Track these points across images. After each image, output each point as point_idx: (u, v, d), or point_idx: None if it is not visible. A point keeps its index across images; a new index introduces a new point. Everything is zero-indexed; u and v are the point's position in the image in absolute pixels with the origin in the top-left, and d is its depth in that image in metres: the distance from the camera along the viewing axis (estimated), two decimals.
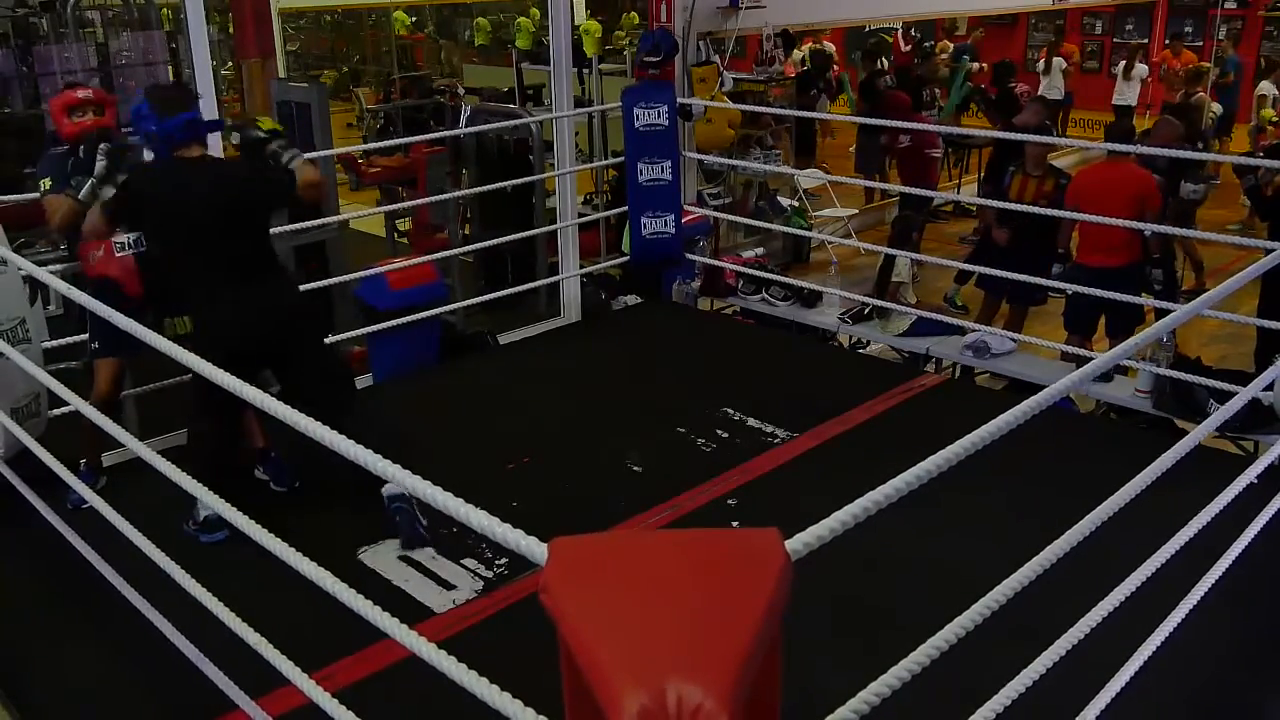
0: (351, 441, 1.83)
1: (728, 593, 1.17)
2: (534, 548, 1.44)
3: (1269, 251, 3.66)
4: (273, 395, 2.17)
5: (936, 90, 10.74)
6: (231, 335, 3.57)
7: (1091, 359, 5.02)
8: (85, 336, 4.34)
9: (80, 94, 3.99)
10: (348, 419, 3.45)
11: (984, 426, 1.83)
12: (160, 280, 3.93)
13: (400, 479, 1.71)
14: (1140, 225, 5.11)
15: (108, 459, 4.19)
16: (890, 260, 6.64)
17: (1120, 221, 4.97)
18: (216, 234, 3.57)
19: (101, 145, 3.65)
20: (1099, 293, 4.96)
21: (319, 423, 3.12)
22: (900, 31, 14.06)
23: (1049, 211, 5.73)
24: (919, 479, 1.69)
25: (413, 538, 3.67)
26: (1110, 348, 5.70)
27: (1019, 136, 6.10)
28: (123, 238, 3.89)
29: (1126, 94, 12.97)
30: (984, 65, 11.98)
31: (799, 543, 1.45)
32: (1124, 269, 5.49)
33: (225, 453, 3.76)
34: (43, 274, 3.23)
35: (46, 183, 3.81)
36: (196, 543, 3.59)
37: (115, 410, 4.05)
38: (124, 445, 3.07)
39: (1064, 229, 5.90)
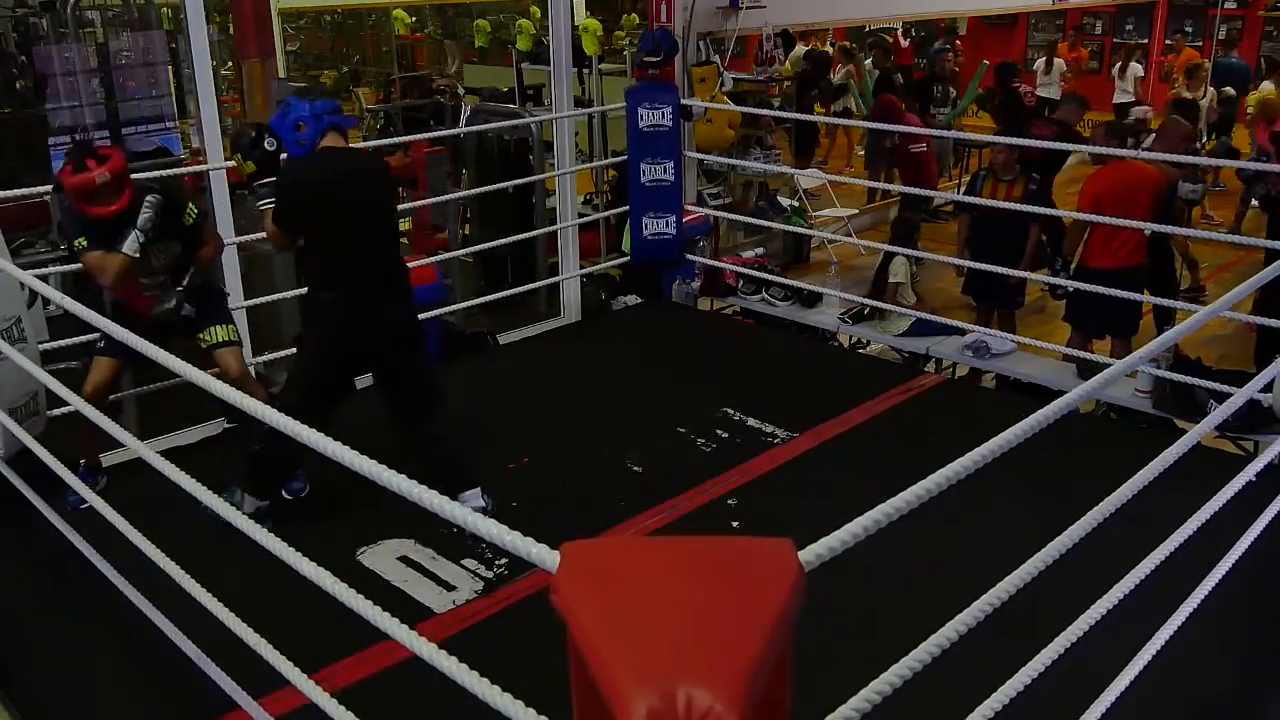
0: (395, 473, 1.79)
1: (740, 600, 1.16)
2: (544, 554, 1.43)
3: (1269, 251, 3.67)
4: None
5: (953, 89, 10.71)
6: (354, 338, 3.71)
7: (1090, 359, 5.10)
8: (84, 337, 4.37)
9: (98, 178, 3.58)
10: (440, 410, 3.85)
11: (999, 436, 1.83)
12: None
13: (405, 488, 1.71)
14: (1162, 227, 5.12)
15: (108, 459, 4.19)
16: (887, 261, 6.65)
17: (1141, 224, 4.98)
18: (367, 223, 3.70)
19: (149, 197, 3.69)
20: (1110, 292, 4.95)
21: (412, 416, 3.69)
22: (900, 31, 14.05)
23: (1064, 213, 5.72)
24: (929, 491, 1.68)
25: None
26: (1112, 347, 5.77)
27: (1017, 140, 6.11)
28: (149, 279, 3.88)
29: (1124, 94, 12.99)
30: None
31: (812, 554, 1.45)
32: (1132, 269, 5.50)
33: (284, 462, 3.82)
34: (35, 282, 3.20)
35: (83, 241, 3.74)
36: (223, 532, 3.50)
37: (107, 410, 4.05)
38: (124, 445, 3.07)
39: (1072, 234, 5.84)
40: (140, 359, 3.68)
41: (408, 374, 3.80)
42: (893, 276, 6.57)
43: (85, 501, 3.69)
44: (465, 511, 1.62)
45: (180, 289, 3.89)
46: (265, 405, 2.10)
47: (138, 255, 3.69)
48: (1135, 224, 5.00)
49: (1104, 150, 5.74)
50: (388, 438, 3.60)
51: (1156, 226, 5.15)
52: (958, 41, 13.73)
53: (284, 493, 4.07)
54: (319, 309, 3.78)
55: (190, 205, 3.99)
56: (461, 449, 3.93)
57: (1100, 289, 5.01)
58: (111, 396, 4.13)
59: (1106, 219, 5.14)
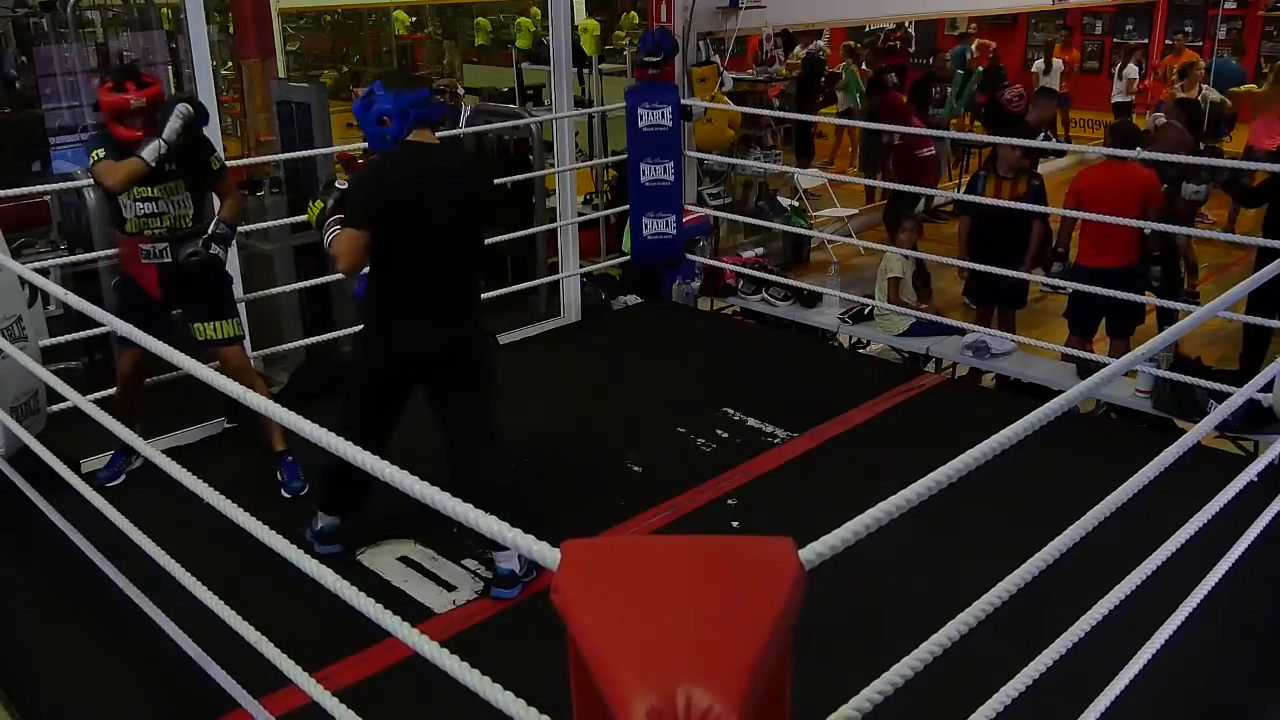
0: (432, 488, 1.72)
1: (740, 599, 1.17)
2: (545, 552, 1.43)
3: (1268, 250, 3.66)
4: None
5: (949, 88, 10.74)
6: (398, 361, 3.41)
7: (1090, 359, 5.10)
8: (84, 335, 4.39)
9: (133, 102, 3.70)
10: (485, 451, 3.48)
11: (999, 435, 1.83)
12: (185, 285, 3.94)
13: (406, 484, 1.71)
14: (1147, 224, 5.12)
15: (108, 459, 4.19)
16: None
17: (1127, 221, 4.98)
18: (446, 235, 3.32)
19: (179, 107, 3.68)
20: (1106, 292, 4.95)
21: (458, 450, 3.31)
22: (884, 33, 14.03)
23: (1065, 212, 5.72)
24: (929, 489, 1.68)
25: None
26: (1111, 346, 5.78)
27: (1013, 140, 6.11)
28: (148, 245, 3.85)
29: (1121, 94, 13.00)
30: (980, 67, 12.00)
31: (812, 552, 1.44)
32: (1127, 269, 5.50)
33: (351, 480, 3.41)
34: (37, 278, 3.22)
35: (100, 153, 3.74)
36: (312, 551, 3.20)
37: (138, 395, 4.12)
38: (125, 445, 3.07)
39: (1064, 229, 5.89)
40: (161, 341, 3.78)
41: (449, 405, 3.49)
42: (891, 273, 6.56)
43: (117, 478, 4.08)
44: (466, 508, 1.62)
45: (206, 235, 3.85)
46: (316, 425, 1.98)
47: (153, 164, 3.67)
48: (1120, 220, 4.99)
49: (1109, 151, 5.74)
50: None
51: (1152, 225, 5.14)
52: (987, 43, 13.74)
53: (284, 491, 4.07)
54: (369, 323, 3.51)
55: (216, 153, 4.00)
56: (506, 506, 3.47)
57: (1091, 289, 5.01)
58: (103, 394, 4.16)
59: (1096, 217, 5.14)
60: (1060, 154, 9.56)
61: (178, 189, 3.86)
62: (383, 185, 3.30)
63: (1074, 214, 5.55)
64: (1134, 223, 5.03)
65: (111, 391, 4.15)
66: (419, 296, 3.36)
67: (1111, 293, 4.94)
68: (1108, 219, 5.03)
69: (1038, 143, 6.29)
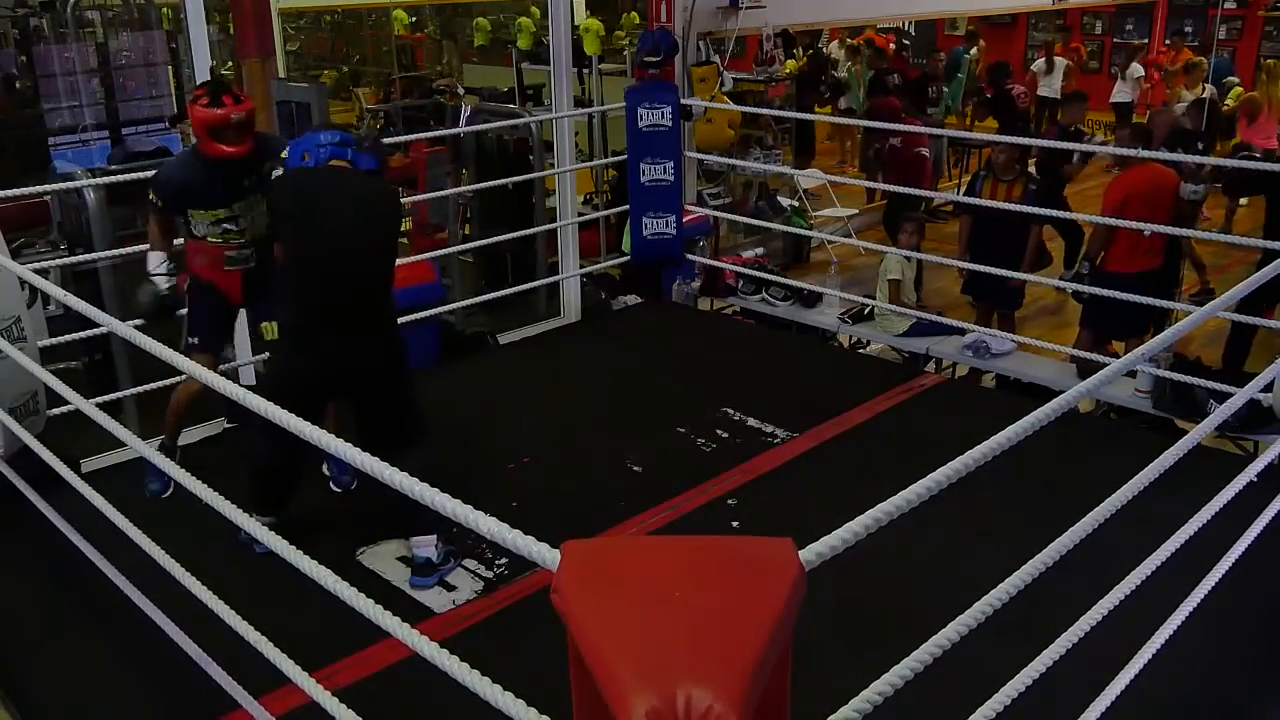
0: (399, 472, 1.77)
1: (740, 600, 1.17)
2: (545, 553, 1.42)
3: (1269, 250, 3.66)
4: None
5: (945, 88, 10.78)
6: (311, 379, 3.41)
7: (1090, 359, 5.09)
8: (84, 335, 4.38)
9: (233, 116, 3.57)
10: (412, 452, 3.38)
11: (999, 436, 1.83)
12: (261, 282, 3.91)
13: (406, 485, 1.71)
14: (1154, 228, 5.10)
15: (108, 460, 4.19)
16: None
17: (1123, 223, 4.97)
18: (346, 249, 3.36)
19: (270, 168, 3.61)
20: (1126, 298, 4.87)
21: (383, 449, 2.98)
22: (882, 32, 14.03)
23: (1062, 214, 5.71)
24: (929, 490, 1.68)
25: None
26: (1126, 347, 5.76)
27: (1016, 139, 6.11)
28: (234, 252, 3.81)
29: (1123, 93, 12.99)
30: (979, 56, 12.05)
31: (812, 553, 1.44)
32: (1156, 271, 5.46)
33: (281, 480, 3.59)
34: (36, 279, 3.22)
35: (158, 201, 3.73)
36: (250, 552, 3.27)
37: (200, 404, 4.07)
38: (125, 444, 3.07)
39: (1098, 237, 5.78)
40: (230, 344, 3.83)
41: (370, 414, 3.50)
42: (891, 275, 6.56)
43: (168, 489, 3.90)
44: (467, 510, 1.62)
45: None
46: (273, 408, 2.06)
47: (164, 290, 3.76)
48: (1161, 228, 4.96)
49: (1113, 150, 5.72)
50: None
51: (1181, 231, 5.12)
52: (982, 42, 13.74)
53: (333, 485, 4.03)
54: (283, 333, 3.56)
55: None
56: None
57: (1126, 295, 4.88)
58: (106, 398, 4.13)
59: (1127, 223, 5.05)
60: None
61: (258, 203, 3.80)
62: (281, 194, 3.46)
63: (1094, 218, 5.51)
64: (1144, 226, 5.01)
65: (114, 395, 4.14)
66: (325, 310, 3.38)
67: (1133, 298, 4.86)
68: (1139, 225, 4.94)
69: (1035, 141, 6.28)
